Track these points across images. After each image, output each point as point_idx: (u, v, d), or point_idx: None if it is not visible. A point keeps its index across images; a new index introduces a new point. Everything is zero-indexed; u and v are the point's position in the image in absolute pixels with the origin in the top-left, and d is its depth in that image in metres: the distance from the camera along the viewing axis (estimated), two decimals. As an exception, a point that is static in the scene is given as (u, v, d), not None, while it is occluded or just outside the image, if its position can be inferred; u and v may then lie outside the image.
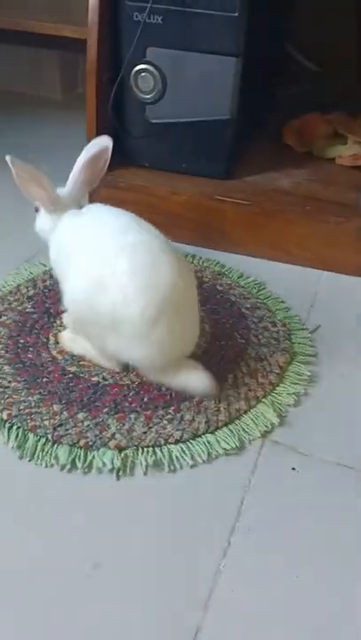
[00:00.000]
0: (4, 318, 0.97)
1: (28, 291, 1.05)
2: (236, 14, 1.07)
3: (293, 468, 0.75)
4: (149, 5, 1.08)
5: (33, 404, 0.81)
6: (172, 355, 0.80)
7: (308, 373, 0.90)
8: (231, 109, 1.14)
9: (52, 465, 0.74)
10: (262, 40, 1.29)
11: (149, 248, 0.77)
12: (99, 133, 1.17)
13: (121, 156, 1.26)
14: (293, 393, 0.86)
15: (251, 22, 1.09)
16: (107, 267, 0.76)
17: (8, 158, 0.82)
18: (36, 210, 0.91)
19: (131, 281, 0.74)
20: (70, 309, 0.84)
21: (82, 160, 0.88)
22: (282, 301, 1.06)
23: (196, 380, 0.81)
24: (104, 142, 0.89)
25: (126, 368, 0.87)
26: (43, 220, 0.90)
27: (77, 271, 0.80)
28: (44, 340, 0.94)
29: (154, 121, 1.19)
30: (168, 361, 0.80)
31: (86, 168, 0.88)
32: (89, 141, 1.19)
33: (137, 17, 1.10)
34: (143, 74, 1.15)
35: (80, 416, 0.80)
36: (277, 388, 0.87)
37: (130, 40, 1.12)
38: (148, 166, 1.25)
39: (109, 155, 0.90)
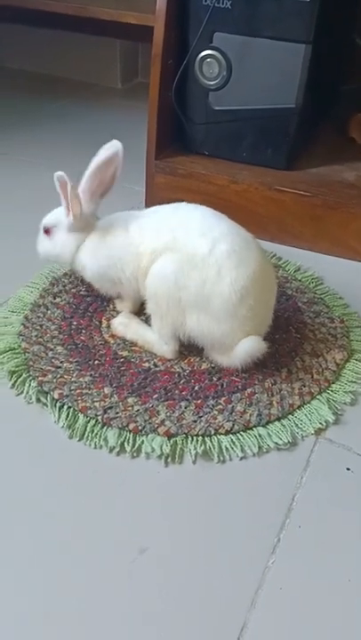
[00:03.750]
0: (58, 300, 0.98)
1: (82, 274, 1.05)
2: (308, 0, 1.03)
3: (348, 469, 0.72)
4: (219, -11, 1.06)
5: (84, 386, 0.81)
6: (249, 334, 0.79)
7: (367, 372, 0.86)
8: (297, 98, 1.11)
9: (100, 447, 0.73)
10: (331, 29, 1.24)
11: (240, 233, 0.82)
12: (160, 119, 1.18)
13: (181, 143, 1.25)
14: (350, 391, 0.83)
15: (321, 9, 1.06)
16: (204, 250, 0.78)
17: (56, 176, 0.82)
18: (46, 231, 0.90)
19: (226, 260, 0.77)
20: (155, 289, 0.82)
21: (91, 168, 0.84)
22: (340, 297, 1.02)
23: (245, 344, 0.79)
24: (114, 146, 0.84)
25: (178, 355, 0.86)
26: (62, 241, 0.89)
27: (170, 251, 0.80)
28: (97, 323, 0.93)
29: (217, 108, 1.17)
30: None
31: (95, 176, 0.84)
32: (150, 127, 1.19)
33: (206, 1, 1.08)
34: (209, 59, 1.13)
35: (130, 400, 0.79)
36: (333, 386, 0.84)
37: (197, 25, 1.10)
38: (208, 154, 1.23)
39: (120, 161, 0.84)
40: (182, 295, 0.79)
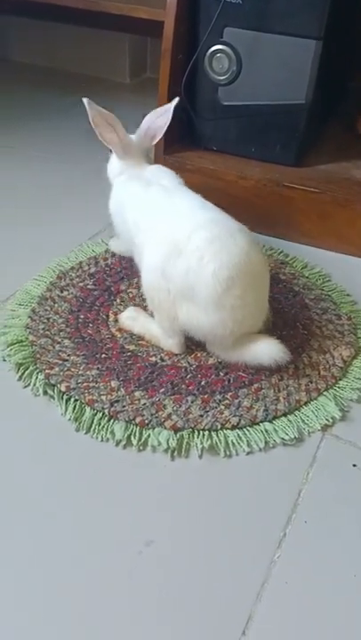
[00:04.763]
0: (65, 293, 0.98)
1: (89, 268, 1.05)
2: (320, -5, 1.03)
3: (354, 465, 0.72)
4: (231, -16, 1.06)
5: (91, 379, 0.81)
6: (242, 325, 0.79)
7: (374, 369, 0.86)
8: (307, 94, 1.11)
9: (107, 439, 0.74)
10: (341, 24, 1.24)
11: (228, 224, 0.81)
12: (169, 114, 1.17)
13: (189, 139, 1.24)
14: (357, 388, 0.83)
15: (332, 5, 1.05)
16: (185, 237, 0.78)
17: (85, 101, 0.91)
18: (111, 152, 1.01)
19: (207, 248, 0.76)
20: (146, 281, 0.83)
21: (150, 113, 0.98)
22: (348, 294, 1.02)
23: (265, 346, 0.80)
24: (170, 103, 0.97)
25: (185, 349, 0.86)
26: (112, 165, 1.00)
27: (154, 243, 0.81)
28: (104, 316, 0.93)
29: (226, 103, 1.17)
30: (237, 331, 0.79)
31: (150, 119, 0.97)
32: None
33: (217, -4, 1.08)
34: (218, 54, 1.13)
35: (137, 394, 0.79)
36: (340, 382, 0.84)
37: (208, 19, 1.10)
38: (217, 149, 1.23)
39: (170, 116, 0.96)
40: (170, 286, 0.79)
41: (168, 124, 0.97)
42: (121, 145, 0.95)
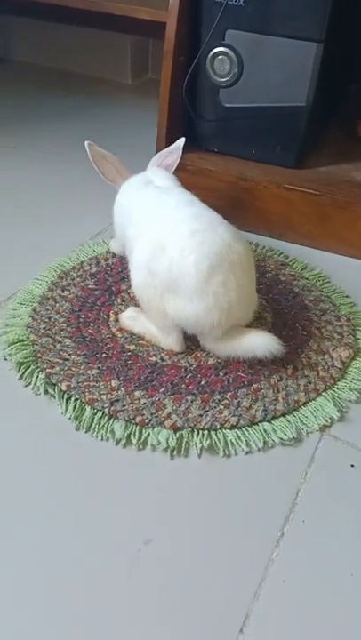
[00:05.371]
0: (66, 293, 0.98)
1: (90, 268, 1.05)
2: (321, -2, 1.04)
3: (352, 465, 0.73)
4: (232, -14, 1.06)
5: (91, 378, 0.81)
6: (229, 314, 0.79)
7: (372, 370, 0.87)
8: (308, 96, 1.11)
9: (107, 439, 0.74)
10: (343, 27, 1.24)
11: (210, 218, 0.83)
12: (171, 115, 1.18)
13: (191, 140, 1.25)
14: (356, 389, 0.83)
15: (334, 7, 1.06)
16: (168, 233, 0.80)
17: (86, 144, 0.94)
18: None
19: (189, 240, 0.78)
20: (134, 281, 0.85)
21: (156, 155, 1.02)
22: (347, 296, 1.03)
23: (259, 338, 0.80)
24: (179, 141, 1.01)
25: (185, 348, 0.86)
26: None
27: (142, 240, 0.83)
28: (105, 316, 0.94)
29: (227, 105, 1.17)
30: (225, 322, 0.80)
31: (158, 161, 1.02)
32: (160, 123, 1.20)
33: (218, -2, 1.09)
34: (220, 57, 1.13)
35: (137, 394, 0.80)
36: (339, 383, 0.84)
37: (210, 22, 1.10)
38: (218, 151, 1.24)
39: (180, 153, 1.01)
40: (156, 282, 0.80)
41: (178, 161, 1.02)
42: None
